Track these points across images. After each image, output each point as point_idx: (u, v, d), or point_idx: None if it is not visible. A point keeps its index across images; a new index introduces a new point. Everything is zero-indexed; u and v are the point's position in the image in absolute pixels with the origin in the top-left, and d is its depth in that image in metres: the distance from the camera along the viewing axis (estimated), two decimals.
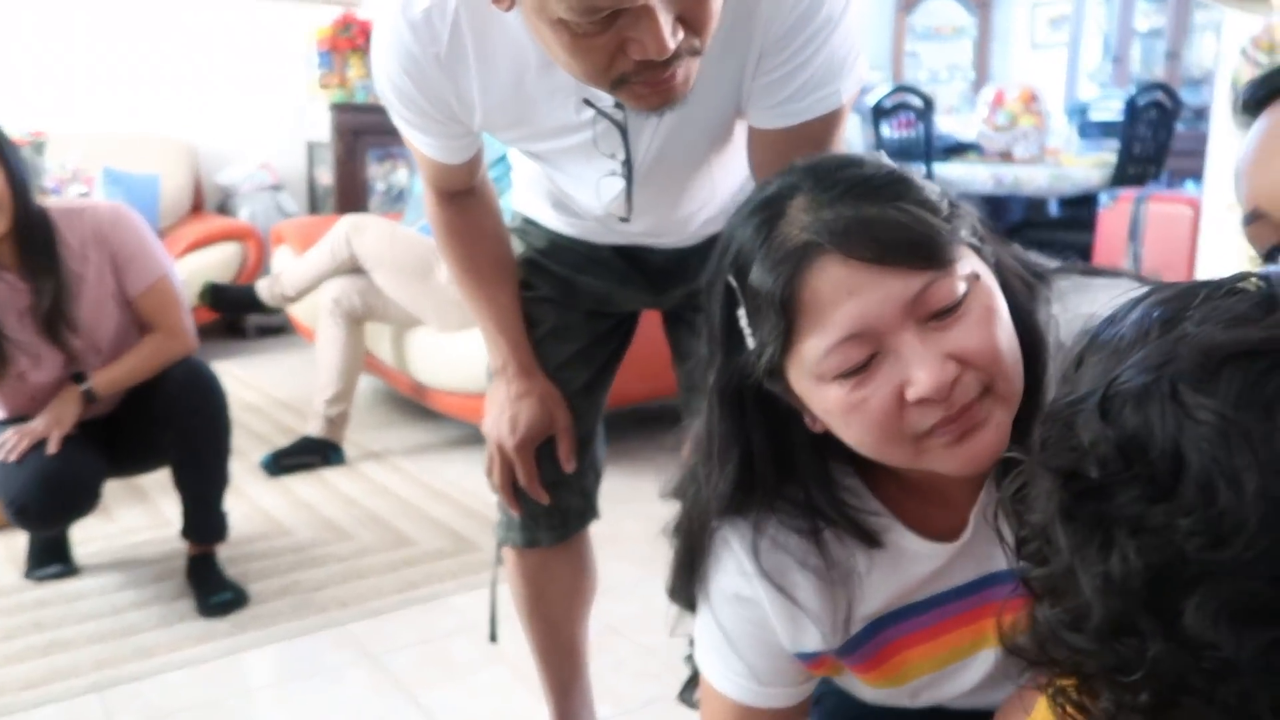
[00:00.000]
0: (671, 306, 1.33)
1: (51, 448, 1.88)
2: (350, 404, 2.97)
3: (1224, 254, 2.61)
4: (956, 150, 4.78)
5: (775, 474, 0.80)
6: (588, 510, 1.36)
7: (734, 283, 0.75)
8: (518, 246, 1.31)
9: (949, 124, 5.08)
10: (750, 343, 0.75)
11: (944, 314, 0.71)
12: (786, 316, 0.71)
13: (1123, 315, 0.48)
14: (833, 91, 1.00)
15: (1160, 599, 0.40)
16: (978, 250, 0.75)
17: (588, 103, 1.01)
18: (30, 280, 1.91)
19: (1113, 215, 3.07)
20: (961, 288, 0.71)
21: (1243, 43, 2.46)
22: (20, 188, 1.86)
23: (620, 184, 1.09)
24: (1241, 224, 0.68)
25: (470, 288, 1.28)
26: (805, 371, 0.73)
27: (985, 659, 0.87)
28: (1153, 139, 4.34)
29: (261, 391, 3.71)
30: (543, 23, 0.81)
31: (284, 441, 2.96)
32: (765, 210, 0.75)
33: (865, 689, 0.92)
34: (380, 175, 4.86)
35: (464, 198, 1.24)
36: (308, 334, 3.64)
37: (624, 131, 1.03)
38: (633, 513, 2.40)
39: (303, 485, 2.76)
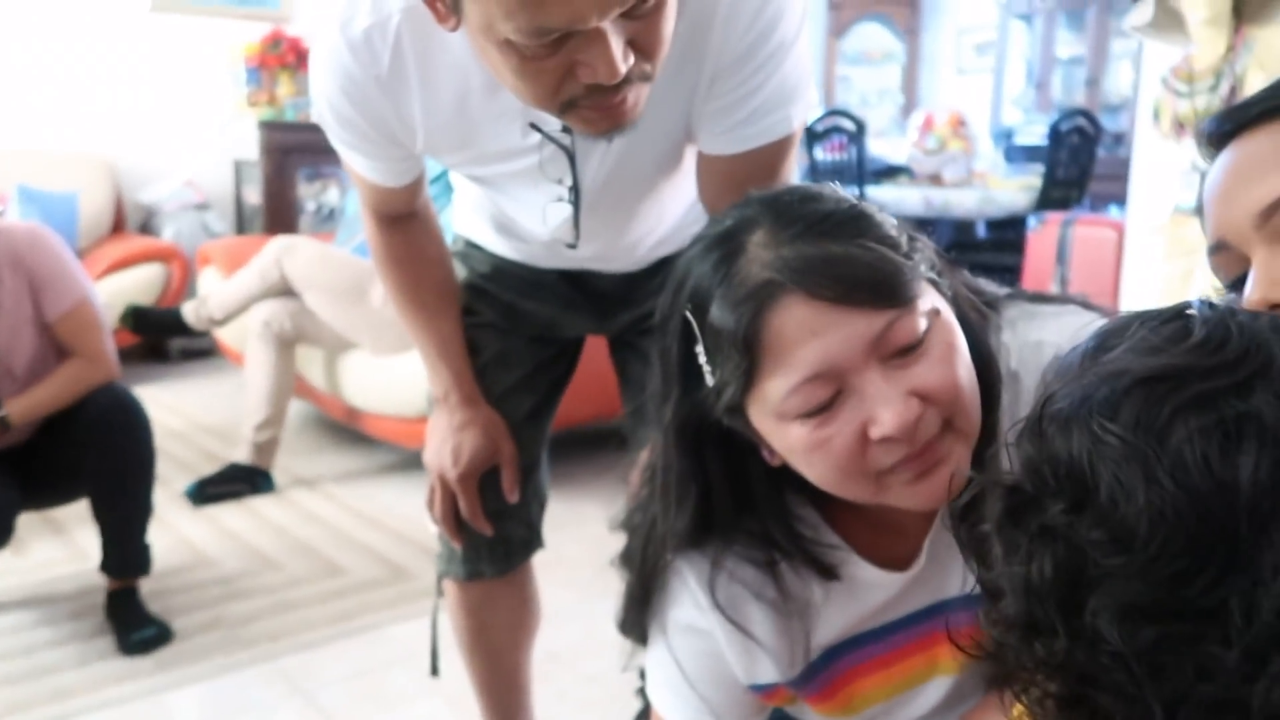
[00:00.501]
0: (618, 332, 1.30)
1: None
2: (280, 429, 2.89)
3: (1147, 276, 2.69)
4: (887, 173, 4.86)
5: (733, 508, 0.79)
6: (532, 540, 1.33)
7: (692, 318, 0.74)
8: (460, 271, 1.28)
9: (879, 147, 5.17)
10: (709, 379, 0.74)
11: (906, 351, 0.71)
12: (749, 356, 0.70)
13: (1078, 344, 0.52)
14: (784, 117, 0.99)
15: (1068, 600, 0.45)
16: (936, 284, 0.75)
17: (534, 127, 0.98)
18: None
19: (1041, 238, 3.14)
20: (923, 324, 0.71)
21: (1163, 72, 2.53)
22: None
23: (567, 210, 1.07)
24: (1207, 254, 0.69)
25: (411, 315, 1.24)
26: (767, 410, 0.72)
27: (938, 686, 0.87)
28: (1075, 163, 4.46)
29: (186, 417, 3.59)
30: (489, 44, 0.79)
31: (209, 469, 2.86)
32: (723, 245, 0.73)
33: (817, 718, 0.91)
34: (310, 195, 4.77)
35: (405, 222, 1.20)
36: (234, 357, 3.54)
37: (571, 156, 1.01)
38: (574, 537, 2.38)
39: (230, 514, 2.67)
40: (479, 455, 1.22)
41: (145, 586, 2.08)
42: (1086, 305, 0.84)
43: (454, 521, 1.26)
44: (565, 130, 0.97)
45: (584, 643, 2.00)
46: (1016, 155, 5.14)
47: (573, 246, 1.12)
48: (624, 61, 0.78)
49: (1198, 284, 2.45)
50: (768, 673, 0.84)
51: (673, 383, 0.77)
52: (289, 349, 2.90)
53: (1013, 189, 4.52)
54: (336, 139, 1.06)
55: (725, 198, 1.04)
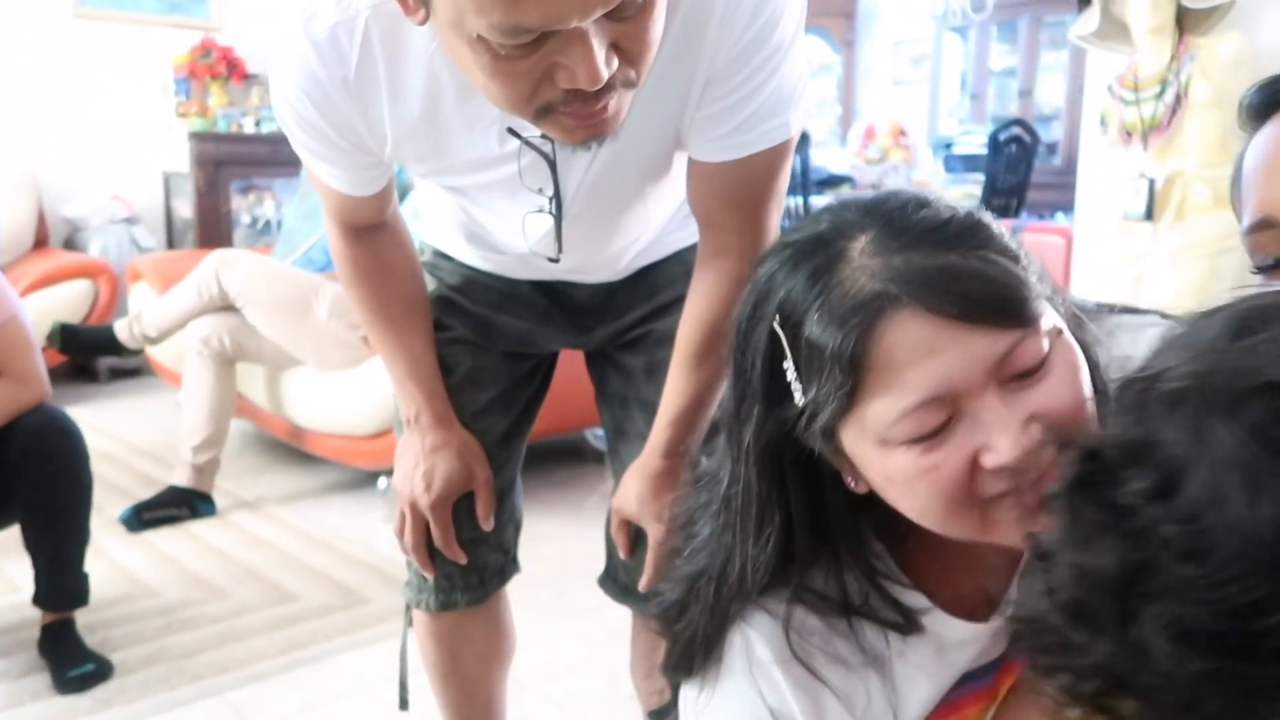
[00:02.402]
0: (596, 346, 1.25)
1: None
2: (221, 450, 2.77)
3: (1096, 283, 2.72)
4: (829, 183, 4.88)
5: (812, 541, 0.72)
6: (507, 566, 1.27)
7: (781, 332, 0.67)
8: (429, 283, 1.22)
9: (820, 157, 5.19)
10: (799, 398, 0.67)
11: (1028, 374, 0.64)
12: (854, 374, 0.63)
13: (1211, 314, 0.47)
14: (781, 123, 0.96)
15: (1124, 600, 0.41)
16: (1051, 301, 0.68)
17: (512, 132, 0.93)
18: None
19: None
20: (1046, 345, 0.65)
21: (1109, 81, 2.56)
22: None
23: (548, 222, 1.01)
24: (1243, 233, 0.65)
25: (379, 331, 1.18)
26: (868, 433, 0.65)
27: None
28: (1013, 172, 4.53)
29: (118, 439, 3.44)
30: (460, 40, 0.73)
31: (145, 493, 2.74)
32: (820, 253, 0.66)
33: None
34: (245, 207, 4.63)
35: (373, 233, 1.14)
36: (168, 376, 3.40)
37: (553, 165, 0.96)
38: (533, 555, 2.30)
39: (169, 540, 2.55)
40: (453, 479, 1.16)
41: (81, 619, 1.97)
42: (1164, 315, 0.79)
43: (426, 550, 1.19)
44: (545, 136, 0.92)
45: (545, 666, 1.95)
46: (956, 165, 5.21)
47: (555, 261, 1.07)
48: (606, 66, 0.73)
49: (1148, 290, 2.48)
50: None
51: (755, 401, 0.70)
52: (229, 366, 2.79)
53: (954, 197, 4.57)
54: (299, 145, 0.99)
55: (717, 207, 1.01)
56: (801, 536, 0.71)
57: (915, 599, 0.73)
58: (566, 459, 3.09)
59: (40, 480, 1.83)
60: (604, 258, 1.13)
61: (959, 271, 0.63)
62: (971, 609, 0.74)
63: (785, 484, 0.71)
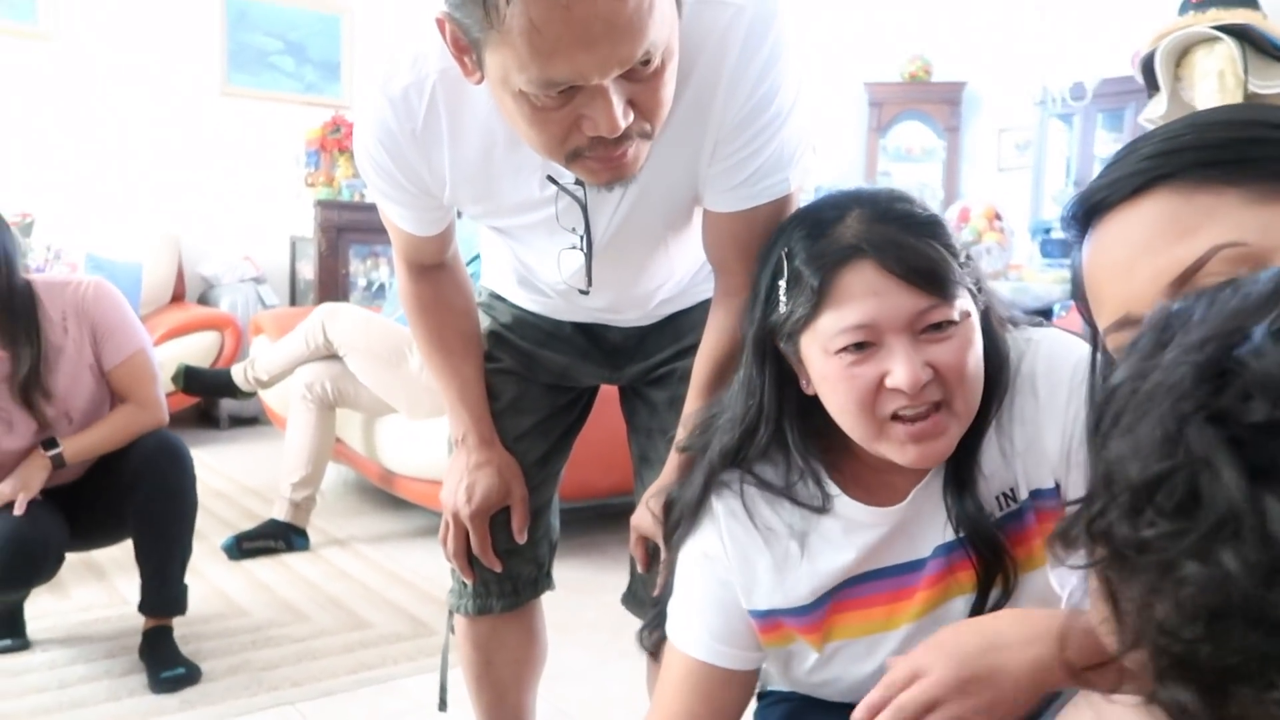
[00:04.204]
0: (628, 382, 1.38)
1: (18, 510, 1.90)
2: (318, 489, 2.98)
3: None
4: None
5: (775, 414, 0.98)
6: (540, 579, 1.38)
7: (784, 259, 0.94)
8: (484, 321, 1.37)
9: None
10: (783, 307, 0.94)
11: (934, 330, 0.89)
12: (818, 294, 0.90)
13: (1231, 288, 0.45)
14: (782, 179, 1.08)
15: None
16: (973, 296, 0.94)
17: (551, 179, 1.08)
18: (10, 349, 1.95)
19: (1065, 324, 3.18)
20: (955, 316, 0.90)
21: None
22: (3, 259, 1.92)
23: (580, 258, 1.15)
24: (1104, 332, 0.69)
25: (436, 360, 1.33)
26: (817, 341, 0.91)
27: (890, 640, 0.99)
28: None
29: (229, 478, 3.70)
30: (506, 94, 0.88)
31: (248, 526, 2.96)
32: (827, 212, 0.94)
33: (799, 670, 1.03)
34: (361, 271, 4.96)
35: (435, 272, 1.30)
36: (281, 423, 3.65)
37: (584, 207, 1.10)
38: (593, 603, 2.42)
39: (263, 568, 2.75)
40: (492, 494, 1.29)
41: (179, 629, 2.15)
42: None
43: (466, 557, 1.32)
44: (579, 183, 1.07)
45: (595, 701, 2.03)
46: (1053, 249, 5.18)
47: (586, 293, 1.21)
48: (624, 118, 0.88)
49: None
50: (765, 597, 0.98)
51: (758, 306, 0.97)
52: (329, 411, 3.01)
53: (1047, 281, 4.57)
54: (374, 189, 1.16)
55: (728, 252, 1.13)
56: (769, 408, 0.98)
57: (830, 487, 0.99)
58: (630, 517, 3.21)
59: (152, 497, 2.03)
60: (632, 297, 1.27)
61: (908, 246, 0.89)
62: (880, 499, 0.98)
63: (764, 369, 0.98)
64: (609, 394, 1.44)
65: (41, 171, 4.54)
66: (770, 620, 0.99)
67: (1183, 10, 2.50)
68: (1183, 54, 2.35)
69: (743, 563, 0.99)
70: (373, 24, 5.22)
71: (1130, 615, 0.42)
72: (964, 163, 7.01)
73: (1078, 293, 0.73)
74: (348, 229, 4.85)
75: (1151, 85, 2.45)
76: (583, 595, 2.41)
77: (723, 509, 1.00)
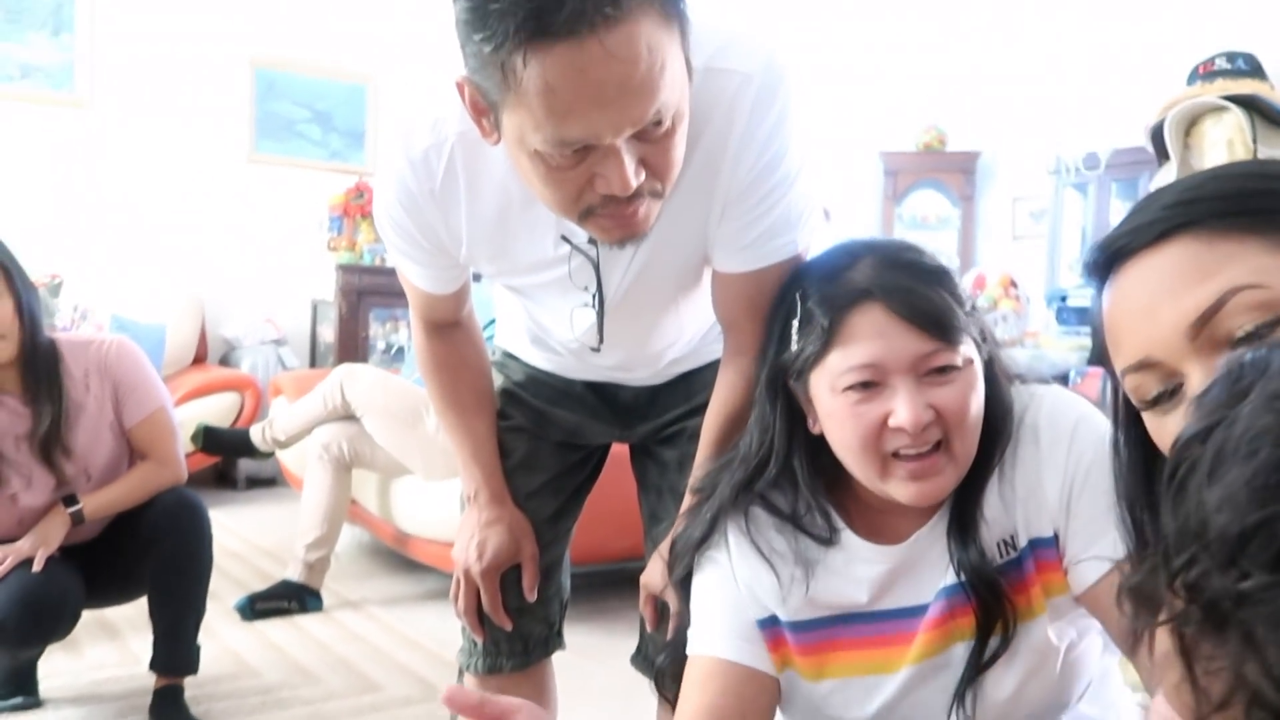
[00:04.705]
0: (638, 440, 1.39)
1: (37, 566, 1.91)
2: (332, 550, 2.98)
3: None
4: None
5: (785, 450, 1.01)
6: (551, 638, 1.38)
7: (798, 299, 1.00)
8: (497, 379, 1.39)
9: None
10: (794, 345, 0.99)
11: (938, 373, 0.93)
12: (828, 333, 0.95)
13: None
14: (789, 241, 1.10)
15: None
16: (978, 345, 0.98)
17: (564, 239, 1.10)
18: (31, 406, 1.98)
19: (1082, 389, 3.18)
20: (958, 362, 0.94)
21: None
22: (28, 318, 1.96)
23: (592, 316, 1.18)
24: (1122, 373, 0.71)
25: (450, 417, 1.35)
26: (825, 379, 0.96)
27: (889, 684, 1.00)
28: None
29: (245, 539, 3.71)
30: (523, 154, 0.91)
31: (262, 587, 2.95)
32: (840, 259, 1.00)
33: (799, 707, 1.04)
34: (381, 334, 5.01)
35: (450, 330, 1.32)
36: (298, 484, 3.67)
37: (597, 266, 1.13)
38: (607, 667, 2.39)
39: (276, 629, 2.74)
40: (503, 552, 1.30)
41: (190, 689, 2.15)
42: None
43: (477, 615, 1.32)
44: (592, 242, 1.09)
45: None
46: (1069, 317, 5.19)
47: (597, 350, 1.23)
48: (635, 177, 0.90)
49: None
50: (770, 606, 1.01)
51: (772, 343, 1.03)
52: (345, 472, 3.02)
53: (1064, 349, 4.57)
54: (393, 247, 1.19)
55: (737, 311, 1.15)
56: (779, 444, 1.02)
57: (837, 522, 1.02)
58: None
59: (169, 554, 2.04)
60: (643, 356, 1.28)
61: (916, 291, 0.94)
62: (884, 539, 1.01)
63: (776, 406, 1.02)
64: (621, 457, 1.45)
65: (71, 233, 4.65)
66: (773, 632, 1.01)
67: (1191, 80, 2.54)
68: (1191, 123, 2.38)
69: (750, 576, 1.02)
70: (397, 94, 5.35)
71: (1221, 673, 0.41)
72: (979, 231, 7.05)
73: (1097, 339, 0.75)
74: (368, 292, 4.91)
75: (1161, 154, 2.47)
76: (593, 660, 2.39)
77: (733, 529, 1.03)
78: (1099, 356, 0.76)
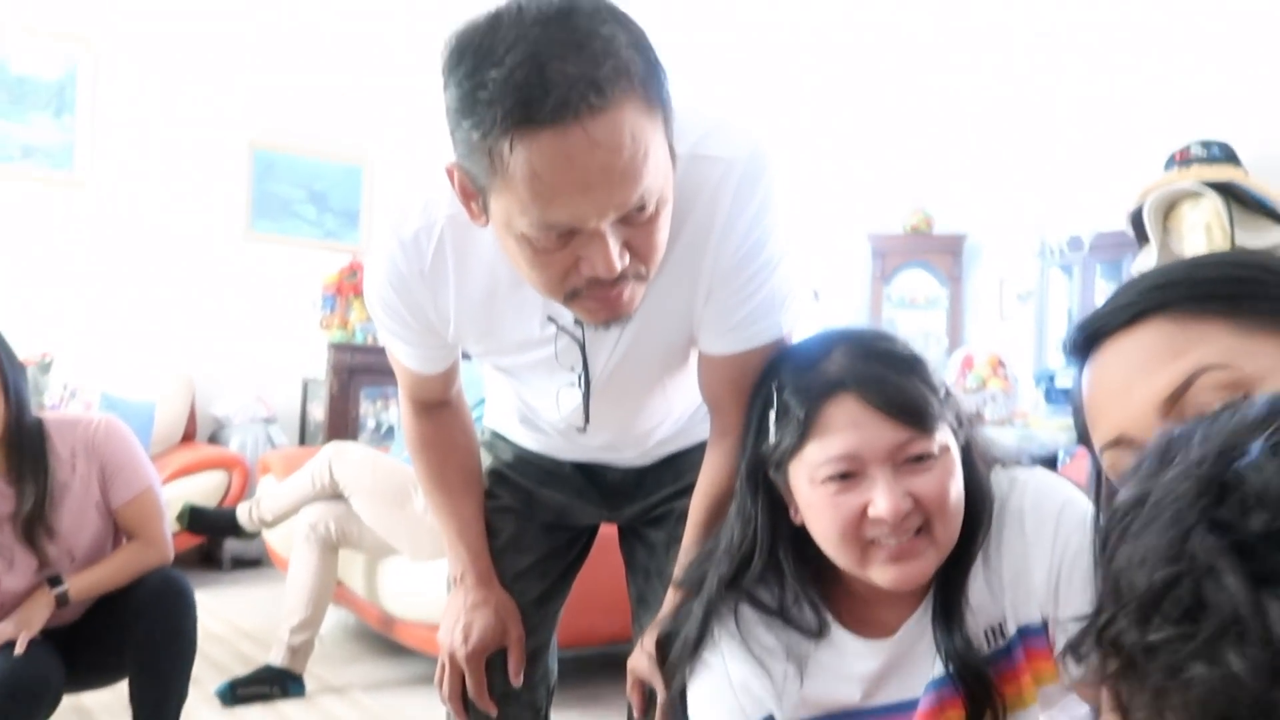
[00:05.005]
0: (626, 522, 1.39)
1: (19, 649, 1.87)
2: (316, 633, 2.93)
3: None
4: None
5: (769, 542, 1.02)
6: None
7: (774, 391, 1.01)
8: (485, 459, 1.39)
9: None
10: (772, 438, 0.99)
11: (915, 462, 0.94)
12: (805, 425, 0.96)
13: (1228, 411, 0.49)
14: (773, 323, 1.12)
15: None
16: (954, 431, 0.99)
17: (551, 319, 1.12)
18: (15, 486, 1.96)
19: (1071, 470, 3.18)
20: (934, 450, 0.95)
21: None
22: (14, 398, 1.95)
23: (578, 396, 1.18)
24: (1100, 450, 0.73)
25: (437, 497, 1.35)
26: (803, 470, 0.97)
27: None
28: None
29: (228, 622, 3.65)
30: (509, 236, 0.93)
31: (244, 672, 2.90)
32: (814, 351, 1.01)
33: None
34: (371, 412, 5.00)
35: (438, 410, 1.33)
36: (283, 565, 3.62)
37: (583, 347, 1.14)
38: None
39: (257, 716, 2.68)
40: (488, 635, 1.29)
41: None
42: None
43: (461, 700, 1.30)
44: (578, 323, 1.11)
45: None
46: (1058, 397, 5.21)
47: (582, 430, 1.23)
48: (620, 260, 0.92)
49: None
50: (765, 708, 1.00)
51: (750, 436, 1.04)
52: (332, 552, 2.99)
53: (1053, 428, 4.58)
54: (382, 327, 1.20)
55: (722, 393, 1.16)
56: (762, 537, 1.02)
57: (825, 615, 1.02)
58: None
59: (153, 637, 2.01)
60: (630, 436, 1.29)
61: (889, 381, 0.95)
62: (873, 632, 1.01)
63: (757, 499, 1.02)
64: (609, 540, 1.45)
65: (64, 311, 4.66)
66: None
67: (1168, 166, 2.59)
68: (1170, 208, 2.43)
69: (744, 677, 1.01)
70: (391, 175, 5.43)
71: None
72: (967, 311, 7.13)
73: (1079, 418, 0.77)
74: (359, 371, 4.92)
75: (1142, 237, 2.52)
76: None
77: (722, 631, 1.02)
78: (1082, 436, 0.78)
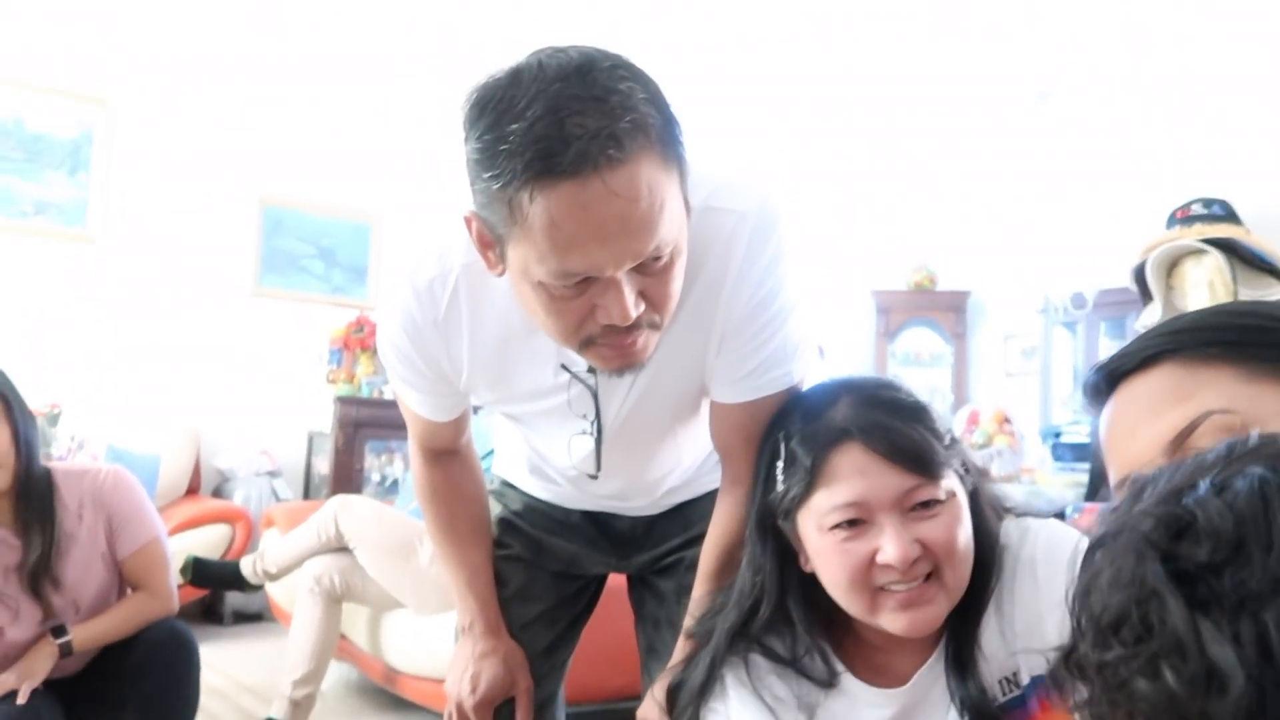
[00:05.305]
0: (635, 570, 1.39)
1: (21, 698, 1.86)
2: (319, 686, 2.90)
3: None
4: None
5: (777, 590, 1.03)
6: None
7: (781, 442, 1.02)
8: (495, 508, 1.40)
9: None
10: (780, 486, 1.01)
11: (922, 508, 0.95)
12: (812, 473, 0.97)
13: (1195, 455, 0.53)
14: (785, 373, 1.13)
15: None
16: (960, 477, 1.00)
17: (564, 368, 1.13)
18: (22, 536, 1.97)
19: (1079, 525, 3.17)
20: (941, 495, 0.96)
21: None
22: (24, 448, 1.96)
23: (590, 443, 1.19)
24: (1113, 493, 0.76)
25: (446, 547, 1.35)
26: (811, 518, 0.98)
27: None
28: None
29: (228, 677, 3.61)
30: (526, 284, 0.95)
31: None
32: (819, 398, 1.03)
33: None
34: (376, 466, 5.00)
35: (448, 459, 1.33)
36: (286, 619, 3.60)
37: (595, 395, 1.15)
38: None
39: None
40: (496, 684, 1.28)
41: None
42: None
43: None
44: (591, 372, 1.12)
45: None
46: (1064, 453, 5.21)
47: (594, 477, 1.24)
48: (635, 308, 0.94)
49: None
50: None
51: (759, 485, 1.05)
52: (336, 605, 2.97)
53: (1060, 485, 4.57)
54: (394, 375, 1.21)
55: (733, 441, 1.17)
56: (769, 596, 1.02)
57: (836, 664, 1.02)
58: None
59: (157, 689, 2.00)
60: (641, 484, 1.29)
61: (894, 429, 0.97)
62: (885, 681, 1.01)
63: (767, 550, 1.03)
64: (614, 594, 1.44)
65: (73, 364, 4.68)
66: None
67: (1170, 224, 2.63)
68: (1172, 265, 2.45)
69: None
70: (399, 233, 5.49)
71: None
72: (972, 367, 7.14)
73: (1096, 463, 0.80)
74: (365, 424, 4.92)
75: (1145, 294, 2.54)
76: None
77: (731, 679, 1.02)
78: (1095, 489, 0.81)
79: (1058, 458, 5.21)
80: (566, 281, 0.91)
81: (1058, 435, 5.63)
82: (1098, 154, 5.53)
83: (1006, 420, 4.86)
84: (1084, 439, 5.17)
